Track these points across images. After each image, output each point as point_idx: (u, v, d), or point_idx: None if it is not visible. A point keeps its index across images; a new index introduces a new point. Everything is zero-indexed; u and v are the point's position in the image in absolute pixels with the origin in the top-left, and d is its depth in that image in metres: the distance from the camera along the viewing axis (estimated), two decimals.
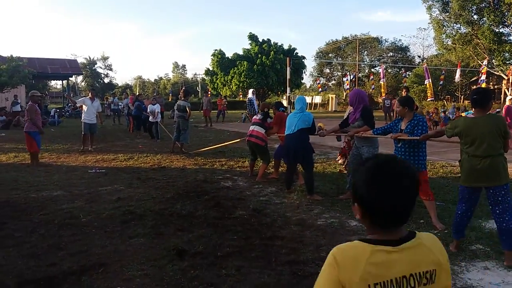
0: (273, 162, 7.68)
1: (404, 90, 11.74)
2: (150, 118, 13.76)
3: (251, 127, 7.43)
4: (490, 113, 3.79)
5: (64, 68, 31.69)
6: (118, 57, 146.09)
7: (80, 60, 64.50)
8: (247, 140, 7.51)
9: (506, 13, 24.26)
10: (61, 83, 40.21)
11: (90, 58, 72.00)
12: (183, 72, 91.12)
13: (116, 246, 4.14)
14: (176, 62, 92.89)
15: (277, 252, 3.97)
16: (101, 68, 74.79)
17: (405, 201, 1.19)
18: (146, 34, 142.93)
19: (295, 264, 3.67)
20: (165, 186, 6.82)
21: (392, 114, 21.40)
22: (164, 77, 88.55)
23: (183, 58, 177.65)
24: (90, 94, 11.50)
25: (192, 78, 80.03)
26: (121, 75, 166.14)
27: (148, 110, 13.84)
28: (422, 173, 4.57)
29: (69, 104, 28.66)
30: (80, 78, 64.97)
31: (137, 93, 23.59)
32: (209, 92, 41.68)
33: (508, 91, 22.06)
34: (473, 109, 3.81)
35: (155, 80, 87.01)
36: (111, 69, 76.89)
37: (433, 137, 4.67)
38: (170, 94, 47.47)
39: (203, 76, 52.04)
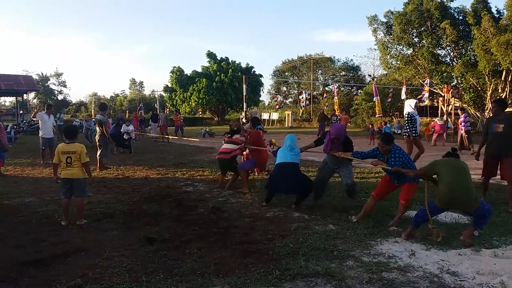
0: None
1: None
2: (125, 136, 15.04)
3: (223, 146, 7.97)
4: None
5: (18, 84, 31.12)
6: (72, 74, 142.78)
7: (33, 76, 62.89)
8: (217, 157, 8.12)
9: (442, 37, 26.84)
10: (10, 99, 39.22)
11: (42, 74, 70.21)
12: (140, 89, 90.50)
13: (94, 237, 4.81)
14: (133, 79, 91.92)
15: (232, 236, 4.79)
16: (54, 84, 73.08)
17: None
18: (102, 48, 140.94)
19: (246, 244, 4.50)
20: (131, 192, 7.46)
21: None
22: (121, 93, 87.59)
23: (141, 75, 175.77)
24: (46, 109, 11.96)
25: (150, 94, 79.73)
26: (76, 92, 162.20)
27: (122, 130, 15.12)
28: (412, 184, 5.22)
29: (24, 121, 28.34)
30: (32, 95, 63.19)
31: (116, 115, 23.30)
32: (168, 109, 42.21)
33: (444, 107, 24.21)
34: None
35: (111, 97, 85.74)
36: (65, 86, 75.26)
37: (406, 173, 5.11)
38: (127, 111, 47.37)
39: (162, 92, 52.39)
